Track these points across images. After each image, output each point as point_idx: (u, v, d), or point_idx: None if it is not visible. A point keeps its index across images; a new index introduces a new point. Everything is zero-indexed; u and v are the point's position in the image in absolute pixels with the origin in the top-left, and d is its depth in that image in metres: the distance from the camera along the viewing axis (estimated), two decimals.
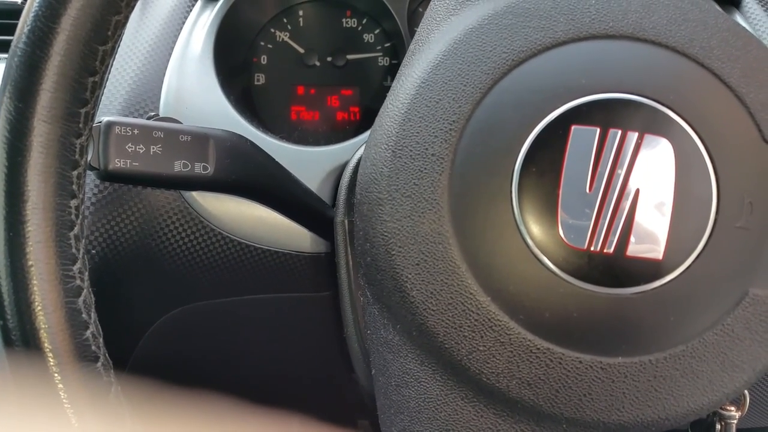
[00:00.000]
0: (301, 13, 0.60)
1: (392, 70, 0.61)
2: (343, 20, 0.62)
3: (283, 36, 0.59)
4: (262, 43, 0.58)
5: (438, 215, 0.29)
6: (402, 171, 0.30)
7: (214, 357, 0.54)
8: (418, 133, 0.30)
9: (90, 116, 0.28)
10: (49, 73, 0.26)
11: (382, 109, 0.34)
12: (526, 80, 0.30)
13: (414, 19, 0.59)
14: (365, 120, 0.60)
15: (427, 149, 0.30)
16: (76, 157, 0.27)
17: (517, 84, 0.30)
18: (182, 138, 0.35)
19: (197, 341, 0.52)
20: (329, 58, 0.60)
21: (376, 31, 0.61)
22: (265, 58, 0.58)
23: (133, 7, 0.27)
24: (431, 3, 0.36)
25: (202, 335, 0.51)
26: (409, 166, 0.30)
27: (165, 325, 0.48)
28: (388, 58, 0.61)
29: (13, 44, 0.26)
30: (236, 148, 0.37)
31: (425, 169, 0.29)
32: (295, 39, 0.60)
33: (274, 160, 0.40)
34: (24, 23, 0.26)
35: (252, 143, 0.39)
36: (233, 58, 0.55)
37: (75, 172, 0.27)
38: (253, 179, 0.39)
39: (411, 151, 0.30)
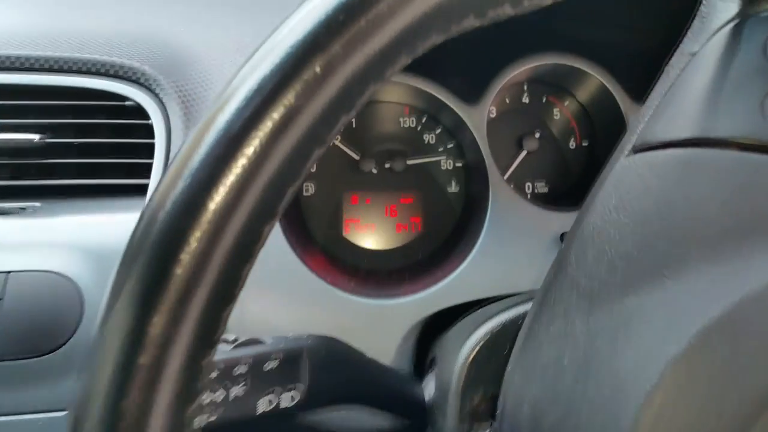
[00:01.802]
0: None
1: (457, 174, 0.54)
2: (401, 119, 0.54)
3: (334, 140, 0.52)
4: None
5: None
6: None
7: None
8: None
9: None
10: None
11: None
12: None
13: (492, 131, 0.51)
14: (426, 231, 0.53)
15: None
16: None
17: None
18: (268, 366, 0.28)
19: None
20: (387, 165, 0.53)
21: (438, 131, 0.54)
22: (315, 165, 0.51)
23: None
24: None
25: None
26: None
27: None
28: (451, 161, 0.54)
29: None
30: (331, 356, 0.31)
31: None
32: (348, 142, 0.53)
33: (365, 355, 0.34)
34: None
35: (344, 345, 0.32)
36: None
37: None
38: (347, 388, 0.32)
39: None
